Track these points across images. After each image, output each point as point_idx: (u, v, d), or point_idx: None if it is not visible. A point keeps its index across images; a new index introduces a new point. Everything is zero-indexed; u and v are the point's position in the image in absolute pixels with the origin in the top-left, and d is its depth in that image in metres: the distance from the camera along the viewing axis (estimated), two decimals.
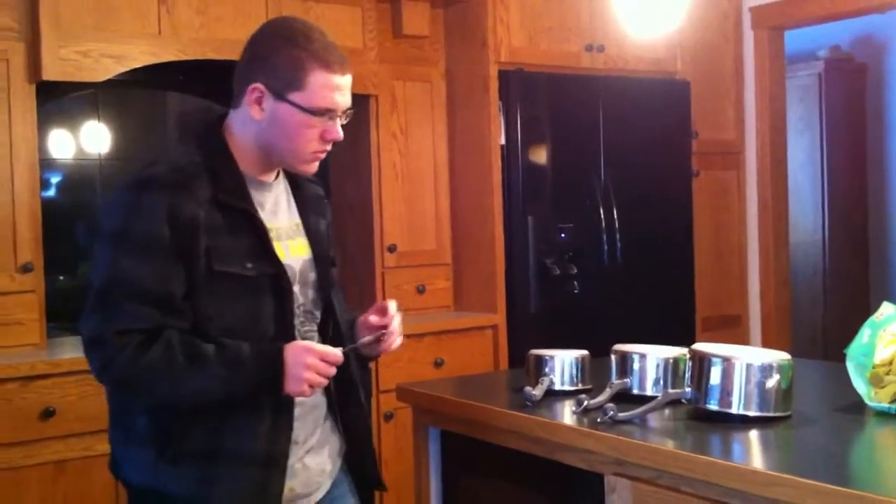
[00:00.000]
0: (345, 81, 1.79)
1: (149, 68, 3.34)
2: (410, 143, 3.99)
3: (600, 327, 3.98)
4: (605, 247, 4.07)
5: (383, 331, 1.88)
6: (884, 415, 1.97)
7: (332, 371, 1.75)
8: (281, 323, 1.78)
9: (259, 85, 1.76)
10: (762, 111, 4.65)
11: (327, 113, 1.77)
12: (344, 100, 1.79)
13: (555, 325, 3.95)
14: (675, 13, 2.44)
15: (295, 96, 1.75)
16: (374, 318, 1.91)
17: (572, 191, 4.06)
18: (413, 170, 3.99)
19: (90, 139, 3.67)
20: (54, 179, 3.61)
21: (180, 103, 3.91)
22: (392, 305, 1.90)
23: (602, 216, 4.07)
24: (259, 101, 1.76)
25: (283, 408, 1.77)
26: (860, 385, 2.04)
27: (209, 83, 3.80)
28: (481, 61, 3.93)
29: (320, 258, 1.91)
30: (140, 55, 3.31)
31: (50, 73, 3.14)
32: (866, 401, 2.02)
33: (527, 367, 2.34)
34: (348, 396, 1.94)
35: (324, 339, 1.89)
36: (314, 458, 1.86)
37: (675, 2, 2.44)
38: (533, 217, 3.94)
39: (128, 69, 3.29)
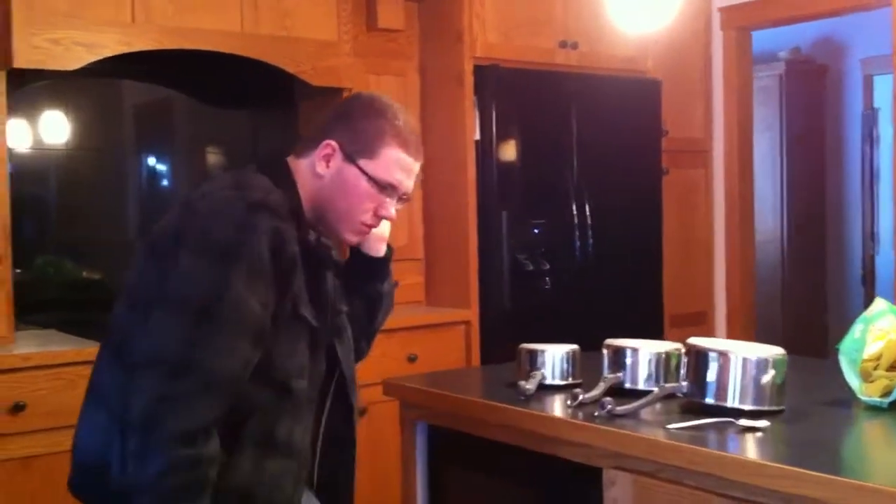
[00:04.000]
0: (415, 167, 1.81)
1: (118, 58, 3.28)
2: None
3: (571, 323, 3.97)
4: (577, 243, 4.08)
5: None
6: (875, 408, 2.00)
7: None
8: (315, 375, 1.78)
9: (333, 142, 1.76)
10: (730, 110, 4.70)
11: (389, 188, 1.77)
12: (408, 183, 1.80)
13: (527, 321, 3.95)
14: (667, 10, 2.45)
15: (365, 163, 1.75)
16: None
17: (545, 187, 4.07)
18: None
19: (51, 129, 3.58)
20: (13, 170, 3.52)
21: (141, 93, 3.84)
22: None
23: (574, 213, 4.08)
24: (328, 158, 1.76)
25: (305, 458, 1.78)
26: (852, 379, 2.07)
27: (178, 74, 3.76)
28: (456, 56, 3.91)
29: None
30: (112, 44, 3.24)
31: (21, 60, 3.05)
32: (858, 395, 2.04)
33: (518, 362, 2.33)
34: (342, 453, 1.91)
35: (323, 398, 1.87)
36: None
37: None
38: (506, 213, 3.93)
39: (99, 58, 3.22)
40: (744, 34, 4.71)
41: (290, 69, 3.63)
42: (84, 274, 3.72)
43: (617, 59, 4.32)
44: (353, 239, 1.84)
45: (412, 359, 3.73)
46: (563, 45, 4.14)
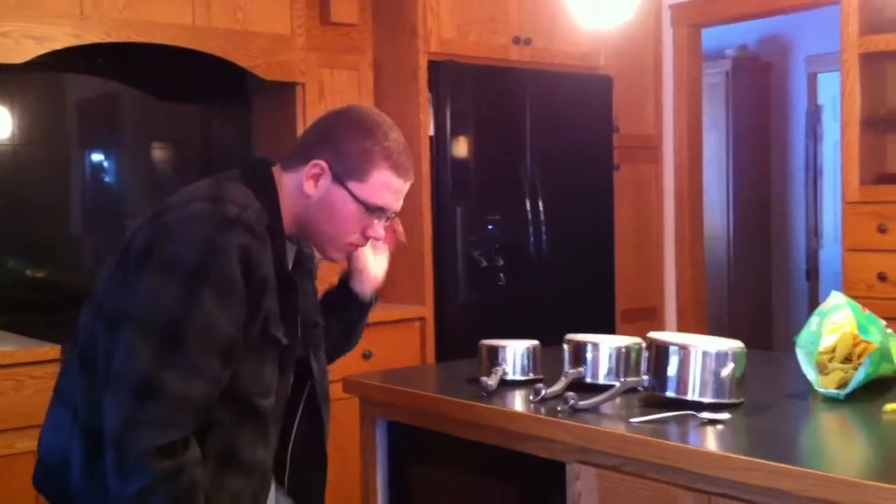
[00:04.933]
0: (405, 187, 1.78)
1: (64, 51, 3.21)
2: None
3: (526, 319, 4.01)
4: (532, 239, 4.10)
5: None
6: (832, 400, 2.03)
7: None
8: (282, 393, 1.76)
9: (322, 163, 1.72)
10: (680, 107, 4.75)
11: (378, 211, 1.76)
12: (397, 204, 1.79)
13: (482, 317, 3.95)
14: (626, 7, 2.47)
15: (354, 186, 1.72)
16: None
17: (500, 183, 4.07)
18: None
19: None
20: None
21: (86, 87, 3.77)
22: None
23: (528, 209, 4.09)
24: (316, 178, 1.73)
25: (268, 474, 1.75)
26: (809, 372, 2.10)
27: (126, 67, 3.69)
28: (410, 51, 3.90)
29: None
30: (62, 36, 3.17)
31: None
32: (815, 387, 2.08)
33: (478, 357, 2.33)
34: (313, 470, 1.90)
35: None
36: None
37: None
38: (461, 209, 3.93)
39: (49, 51, 3.15)
40: (694, 31, 4.77)
41: (243, 63, 3.59)
42: (28, 272, 3.63)
43: (570, 55, 4.34)
44: (338, 258, 1.83)
45: (367, 356, 3.71)
46: (517, 41, 4.15)
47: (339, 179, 1.72)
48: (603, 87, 4.41)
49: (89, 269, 3.73)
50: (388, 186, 1.74)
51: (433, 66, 3.89)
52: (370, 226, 1.77)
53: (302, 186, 1.73)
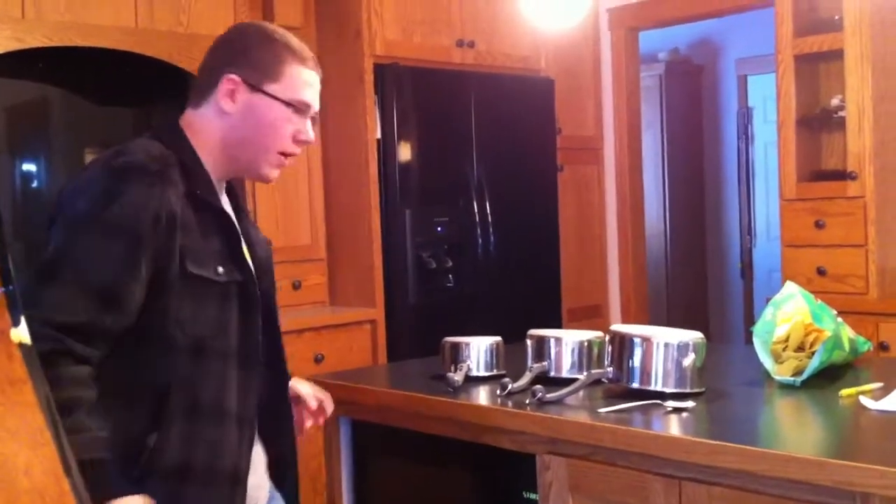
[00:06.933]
0: (316, 81, 1.76)
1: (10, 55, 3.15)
2: None
3: (475, 319, 4.04)
4: (479, 240, 4.13)
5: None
6: (789, 386, 2.10)
7: None
8: (246, 334, 1.70)
9: (233, 76, 1.70)
10: (619, 108, 4.84)
11: (302, 106, 1.72)
12: (316, 98, 1.76)
13: (432, 318, 3.97)
14: (577, 7, 2.51)
15: (271, 87, 1.70)
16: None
17: (447, 184, 4.10)
18: None
19: None
20: None
21: (15, 92, 3.68)
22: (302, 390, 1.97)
23: (476, 210, 4.12)
24: (232, 94, 1.70)
25: (247, 421, 1.71)
26: (766, 360, 2.16)
27: (58, 70, 3.62)
28: (355, 54, 3.91)
29: (264, 272, 1.82)
30: (3, 40, 3.12)
31: None
32: (772, 375, 2.14)
33: (442, 355, 2.35)
34: (281, 423, 1.87)
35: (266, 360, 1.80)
36: (252, 476, 1.77)
37: None
38: (409, 211, 3.95)
39: None
40: (631, 34, 4.86)
41: (187, 66, 3.55)
42: None
43: (511, 58, 4.39)
44: (272, 174, 1.76)
45: (319, 359, 3.71)
46: (461, 43, 4.19)
47: (255, 86, 1.70)
48: (545, 89, 4.47)
49: (21, 275, 3.65)
50: (303, 79, 1.72)
51: (378, 68, 3.90)
52: (300, 130, 1.74)
53: (221, 108, 1.71)
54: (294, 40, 1.76)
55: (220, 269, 1.66)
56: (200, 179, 1.68)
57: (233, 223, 1.73)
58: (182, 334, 1.61)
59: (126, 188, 1.57)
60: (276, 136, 1.72)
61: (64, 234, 1.58)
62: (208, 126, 1.73)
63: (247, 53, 1.71)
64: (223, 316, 1.67)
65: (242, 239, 1.74)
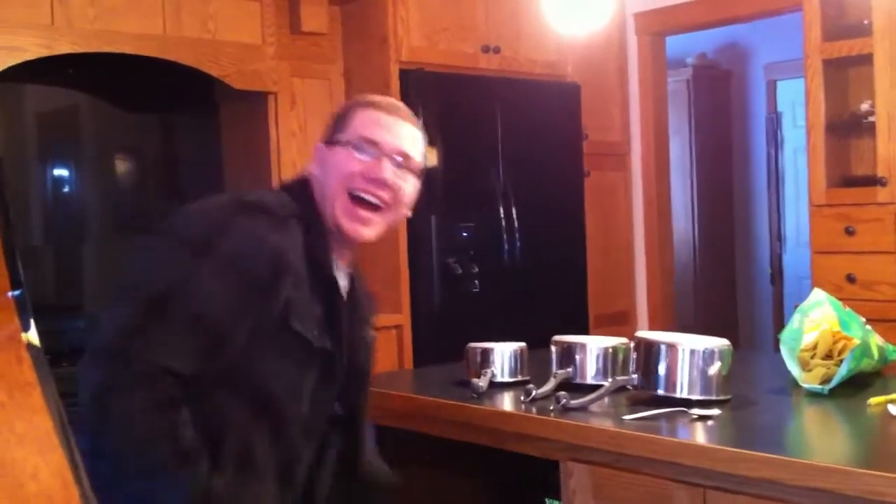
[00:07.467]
0: (393, 122, 1.72)
1: (33, 62, 3.18)
2: (310, 142, 3.92)
3: (501, 325, 4.02)
4: (505, 246, 4.12)
5: None
6: (816, 394, 2.07)
7: None
8: (317, 405, 1.67)
9: (318, 144, 1.77)
10: (646, 114, 4.81)
11: (363, 142, 1.69)
12: (391, 138, 1.70)
13: (457, 323, 3.96)
14: (600, 13, 2.50)
15: (338, 136, 1.73)
16: None
17: (473, 190, 4.10)
18: None
19: None
20: None
21: (46, 98, 3.74)
22: None
23: (502, 215, 4.12)
24: (317, 158, 1.76)
25: (290, 486, 1.68)
26: (793, 368, 2.14)
27: (87, 77, 3.66)
28: (381, 60, 3.92)
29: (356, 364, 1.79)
30: (33, 47, 3.15)
31: None
32: (800, 382, 2.12)
33: (466, 360, 2.34)
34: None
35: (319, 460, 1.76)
36: None
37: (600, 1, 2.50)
38: (435, 217, 3.95)
39: (19, 61, 3.12)
40: (657, 39, 4.83)
41: (214, 73, 3.58)
42: None
43: (537, 63, 4.38)
44: (348, 225, 1.68)
45: None
46: (486, 49, 4.18)
47: (328, 141, 1.75)
48: (571, 94, 4.45)
49: (50, 279, 3.70)
50: (369, 119, 1.72)
51: (403, 74, 3.90)
52: (370, 167, 1.68)
53: (314, 173, 1.75)
54: (378, 96, 1.79)
55: (316, 333, 1.64)
56: (318, 238, 1.68)
57: (340, 295, 1.72)
58: (255, 386, 1.58)
59: (241, 221, 1.57)
60: (341, 174, 1.70)
61: (174, 256, 1.55)
62: (315, 188, 1.75)
63: (331, 120, 1.78)
64: (301, 381, 1.64)
65: (345, 318, 1.72)
